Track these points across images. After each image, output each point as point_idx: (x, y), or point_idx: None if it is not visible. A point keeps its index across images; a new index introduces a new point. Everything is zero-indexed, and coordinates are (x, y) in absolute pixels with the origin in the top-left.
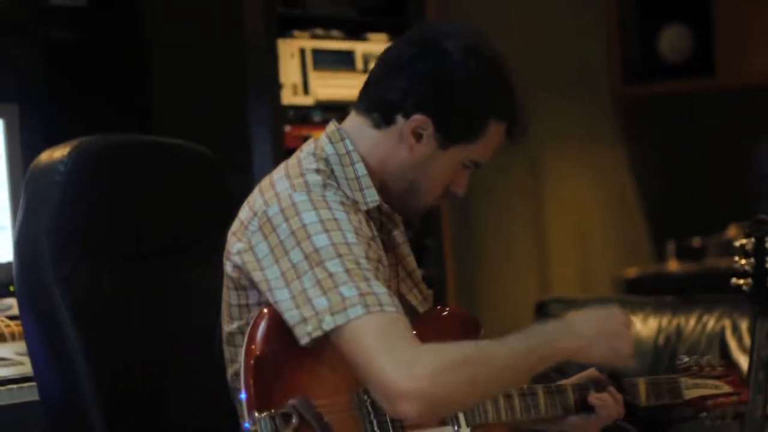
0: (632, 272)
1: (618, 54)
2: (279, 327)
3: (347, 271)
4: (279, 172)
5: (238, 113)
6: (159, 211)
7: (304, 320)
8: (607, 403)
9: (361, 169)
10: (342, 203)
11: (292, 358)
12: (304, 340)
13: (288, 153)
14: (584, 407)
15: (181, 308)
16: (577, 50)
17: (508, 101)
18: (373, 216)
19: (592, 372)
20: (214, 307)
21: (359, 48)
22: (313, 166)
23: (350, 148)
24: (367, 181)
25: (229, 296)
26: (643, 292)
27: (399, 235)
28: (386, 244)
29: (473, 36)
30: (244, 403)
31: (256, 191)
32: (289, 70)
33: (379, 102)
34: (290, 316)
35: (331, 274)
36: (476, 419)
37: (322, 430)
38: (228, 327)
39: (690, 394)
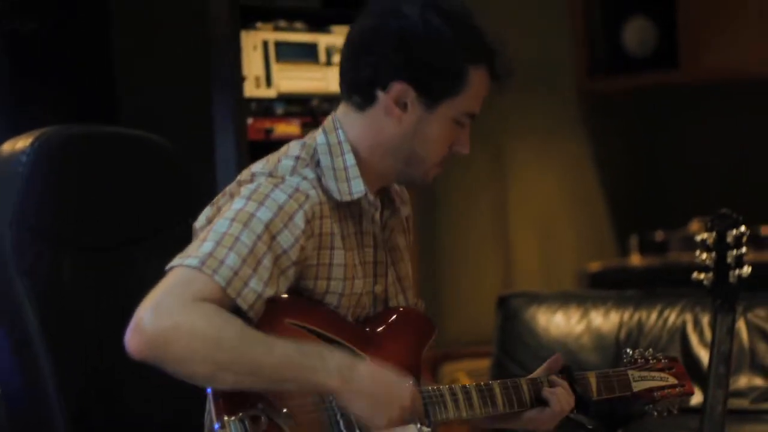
0: (595, 266)
1: (583, 47)
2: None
3: (224, 234)
4: (263, 159)
5: (201, 105)
6: (121, 203)
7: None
8: (560, 395)
9: (350, 159)
10: (296, 189)
11: None
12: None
13: (250, 145)
14: (539, 401)
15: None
16: (541, 43)
17: (479, 45)
18: (364, 206)
19: (546, 366)
20: None
21: (322, 40)
22: (295, 153)
23: (342, 138)
24: (354, 172)
25: None
26: (606, 285)
27: (402, 239)
28: (377, 240)
29: None
30: (212, 405)
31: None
32: (252, 63)
33: (355, 83)
34: None
35: (214, 230)
36: (438, 416)
37: None
38: None
39: (638, 386)
